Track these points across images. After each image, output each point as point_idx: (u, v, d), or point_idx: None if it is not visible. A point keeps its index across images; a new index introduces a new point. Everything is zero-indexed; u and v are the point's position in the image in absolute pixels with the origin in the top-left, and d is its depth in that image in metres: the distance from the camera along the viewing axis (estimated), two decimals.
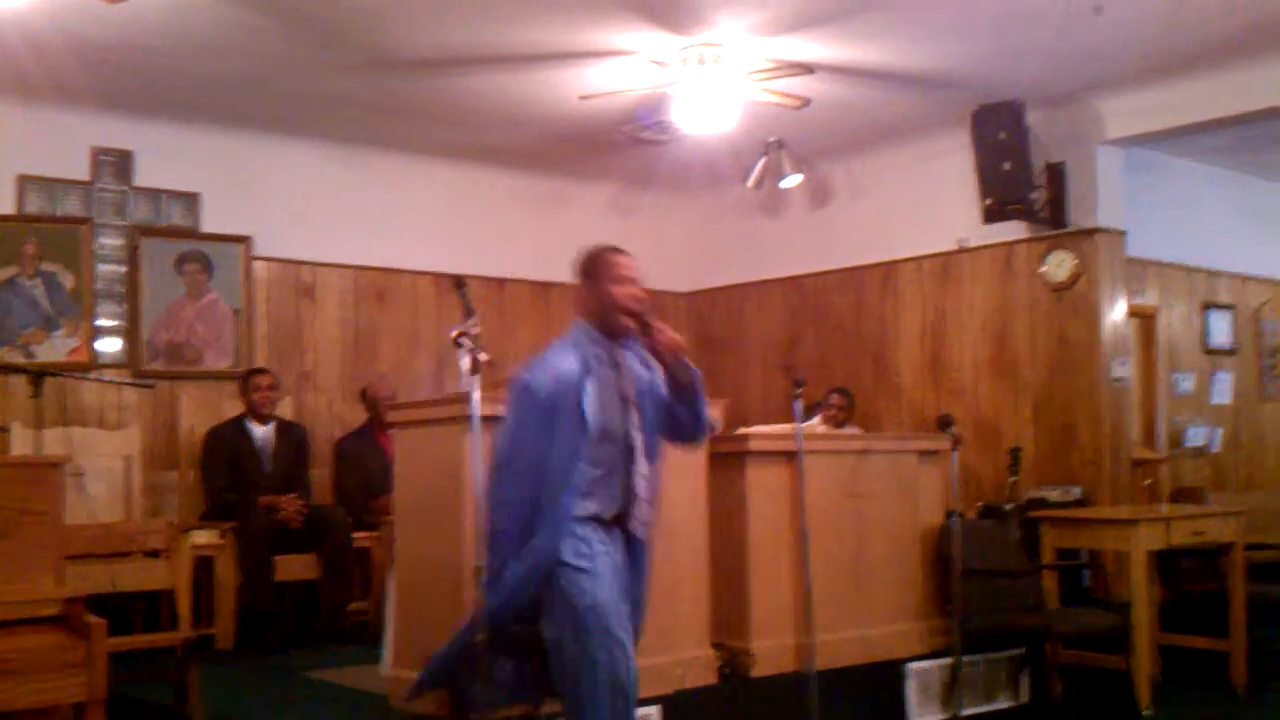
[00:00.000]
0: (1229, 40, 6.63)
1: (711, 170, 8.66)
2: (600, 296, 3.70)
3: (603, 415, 3.60)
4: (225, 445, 7.17)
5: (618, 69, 6.82)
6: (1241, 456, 9.48)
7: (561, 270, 9.28)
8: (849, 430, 7.83)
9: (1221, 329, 9.43)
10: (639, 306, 3.66)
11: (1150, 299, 8.86)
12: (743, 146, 7.97)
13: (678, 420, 3.82)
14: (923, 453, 6.08)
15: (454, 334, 3.64)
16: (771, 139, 7.95)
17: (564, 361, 3.63)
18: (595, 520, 3.65)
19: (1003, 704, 5.98)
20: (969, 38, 6.58)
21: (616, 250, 3.78)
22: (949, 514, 5.85)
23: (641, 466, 3.69)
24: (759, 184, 8.20)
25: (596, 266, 3.76)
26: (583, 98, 7.08)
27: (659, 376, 3.74)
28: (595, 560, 3.59)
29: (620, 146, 8.30)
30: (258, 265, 8.07)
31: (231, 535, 6.73)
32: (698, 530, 5.11)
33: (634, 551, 3.79)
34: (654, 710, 4.79)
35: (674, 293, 10.11)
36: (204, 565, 6.54)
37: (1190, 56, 6.88)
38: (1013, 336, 8.17)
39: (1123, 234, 7.87)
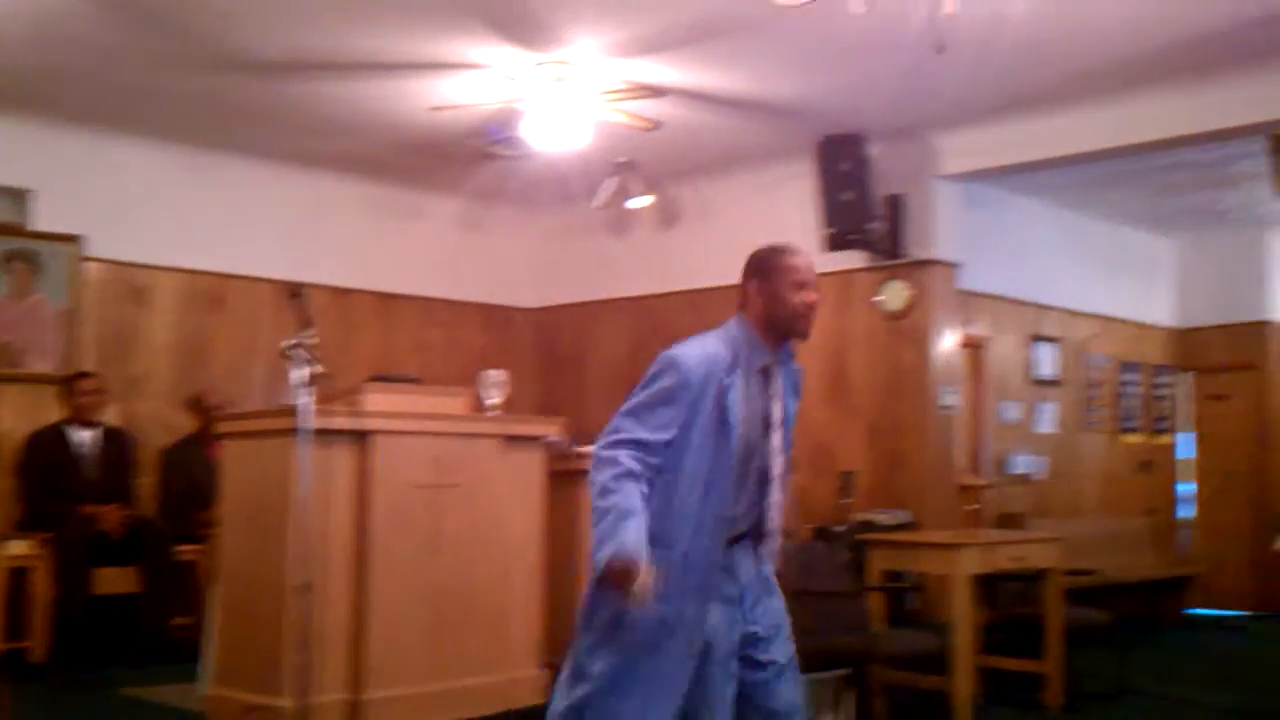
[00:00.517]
0: (1063, 84, 6.91)
1: (561, 188, 8.67)
2: (772, 299, 3.30)
3: (746, 425, 3.23)
4: (45, 451, 6.90)
5: (470, 82, 6.79)
6: (1063, 485, 9.84)
7: (408, 281, 9.32)
8: None
9: (1047, 361, 9.79)
10: (811, 318, 3.35)
11: (981, 330, 9.15)
12: (593, 165, 8.00)
13: None
14: None
15: (283, 346, 3.51)
16: (622, 159, 8.00)
17: (713, 352, 3.24)
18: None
19: None
20: (816, 69, 6.72)
21: (795, 251, 3.38)
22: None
23: (776, 495, 3.35)
24: (608, 204, 8.24)
25: (772, 266, 3.34)
26: (433, 109, 7.03)
27: (796, 407, 3.47)
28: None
29: (471, 160, 8.25)
30: (89, 266, 7.78)
31: (49, 546, 6.48)
32: (532, 548, 5.10)
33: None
34: None
35: (520, 309, 10.08)
36: (19, 577, 6.27)
37: (1027, 98, 7.15)
38: (849, 363, 8.35)
39: (957, 266, 8.12)
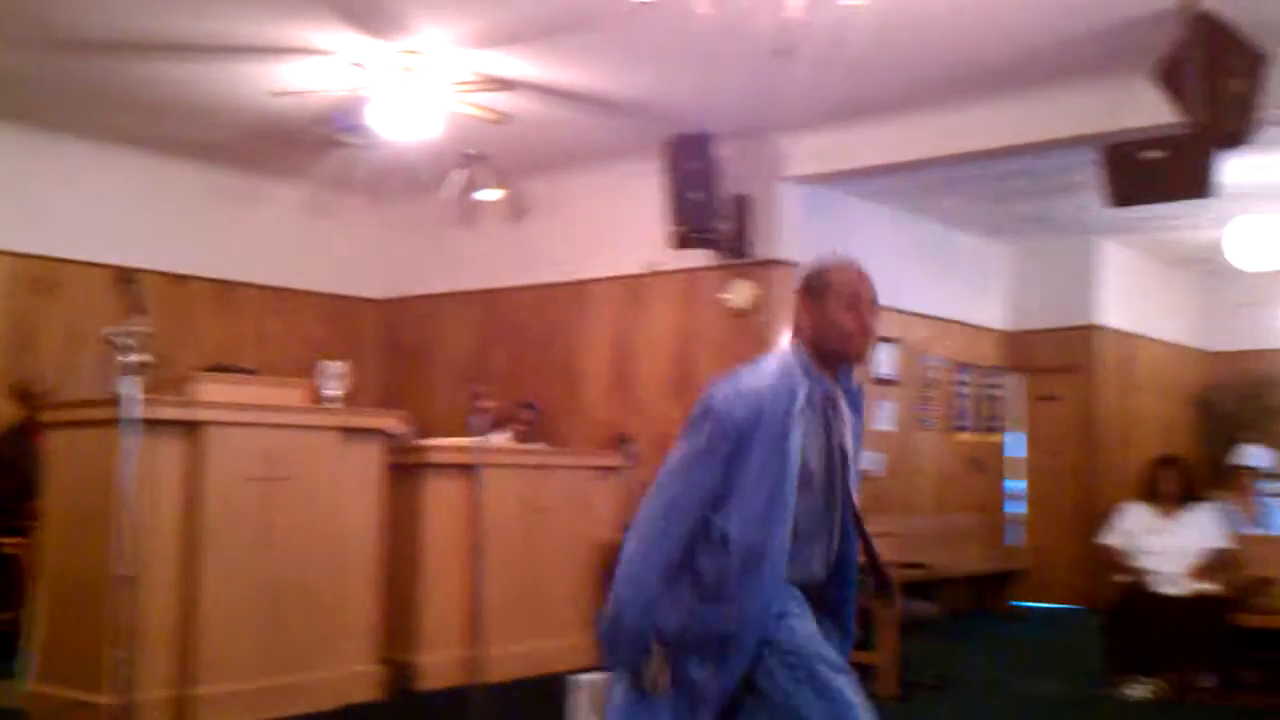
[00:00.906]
0: (903, 92, 7.11)
1: (410, 178, 8.58)
2: (822, 320, 2.97)
3: (809, 465, 2.93)
4: None
5: (315, 68, 6.67)
6: (900, 481, 10.10)
7: (250, 269, 9.11)
8: (535, 445, 7.90)
9: (886, 361, 10.04)
10: (869, 339, 3.02)
11: None
12: (442, 156, 7.93)
13: None
14: (600, 469, 6.20)
15: (107, 333, 3.40)
16: (471, 151, 7.94)
17: (765, 387, 2.93)
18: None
19: None
20: (666, 68, 6.78)
21: (846, 265, 3.04)
22: (625, 529, 5.98)
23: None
24: (456, 196, 8.18)
25: (821, 284, 3.00)
26: (275, 94, 6.89)
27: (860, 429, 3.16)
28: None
29: (316, 147, 8.10)
30: None
31: None
32: (369, 541, 5.05)
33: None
34: None
35: (366, 300, 9.95)
36: None
37: (869, 104, 7.33)
38: (695, 359, 8.44)
39: (801, 267, 8.25)
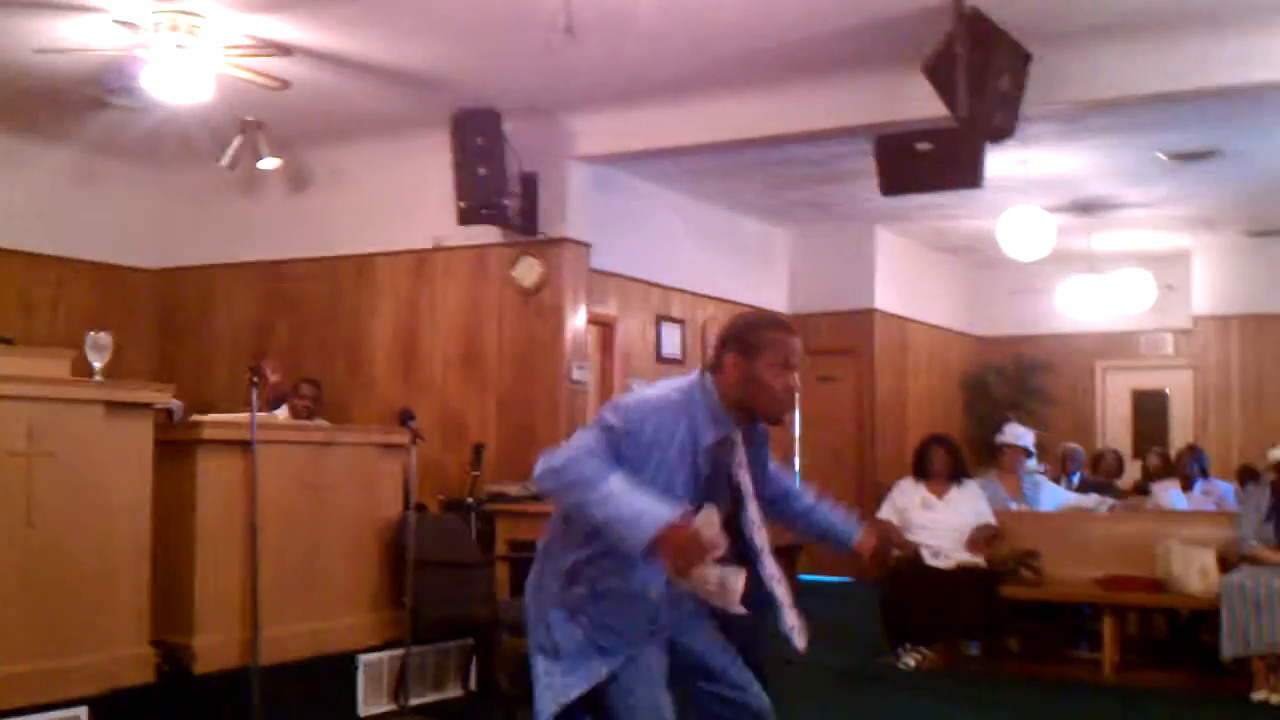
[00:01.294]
0: (686, 76, 7.21)
1: (185, 144, 8.23)
2: (750, 380, 2.98)
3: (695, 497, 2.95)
4: None
5: (82, 25, 6.34)
6: None
7: (14, 236, 8.58)
8: (317, 422, 7.72)
9: (672, 340, 10.20)
10: (792, 404, 3.11)
11: (610, 309, 9.42)
12: (220, 122, 7.65)
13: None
14: (383, 446, 6.10)
15: None
16: (249, 118, 7.70)
17: (666, 420, 2.95)
18: None
19: (452, 693, 6.13)
20: (449, 40, 6.70)
21: (784, 326, 3.09)
22: (409, 507, 5.92)
23: (770, 569, 3.09)
24: (235, 163, 7.91)
25: (757, 342, 3.00)
26: (38, 52, 6.52)
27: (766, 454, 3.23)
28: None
29: (82, 108, 7.72)
30: None
31: None
32: (138, 520, 4.84)
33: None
34: (81, 711, 4.49)
35: (140, 269, 9.53)
36: None
37: (654, 87, 7.40)
38: (482, 336, 8.40)
39: (588, 246, 8.31)
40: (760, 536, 3.04)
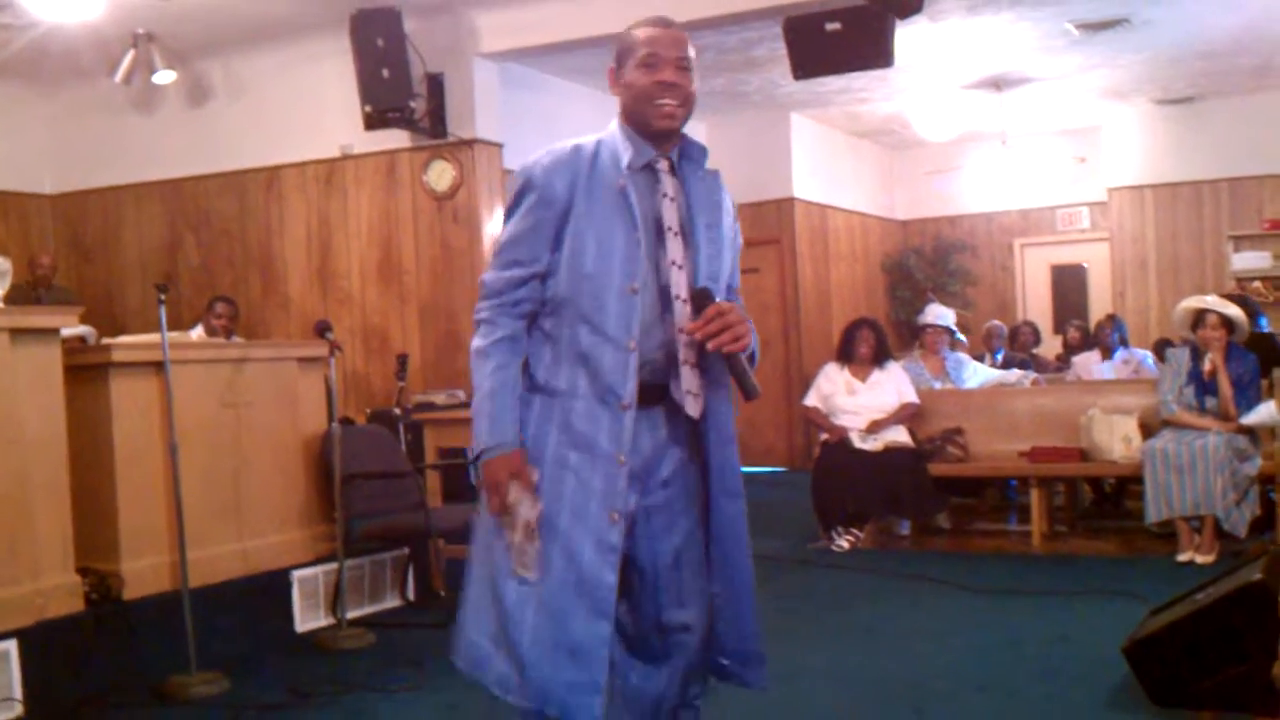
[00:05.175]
0: None
1: (73, 61, 7.93)
2: (626, 88, 2.74)
3: (625, 238, 2.68)
4: None
5: None
6: None
7: None
8: (235, 340, 7.57)
9: None
10: (669, 101, 2.70)
11: None
12: (109, 38, 7.37)
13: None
14: (303, 360, 6.00)
15: None
16: (140, 31, 7.42)
17: (576, 148, 2.74)
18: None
19: (389, 603, 6.11)
20: None
21: (649, 23, 2.75)
22: (334, 420, 5.84)
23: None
24: (128, 79, 7.65)
25: (626, 47, 2.74)
26: None
27: (725, 215, 2.87)
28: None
29: None
30: None
31: None
32: (55, 447, 4.73)
33: (679, 434, 2.81)
34: (11, 645, 4.41)
35: (38, 195, 9.23)
36: None
37: None
38: (398, 245, 8.26)
39: (499, 146, 8.16)
40: (677, 280, 2.71)
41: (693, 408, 2.76)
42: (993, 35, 8.98)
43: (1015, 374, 8.52)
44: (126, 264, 9.20)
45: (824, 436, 7.66)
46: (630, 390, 2.66)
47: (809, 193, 11.86)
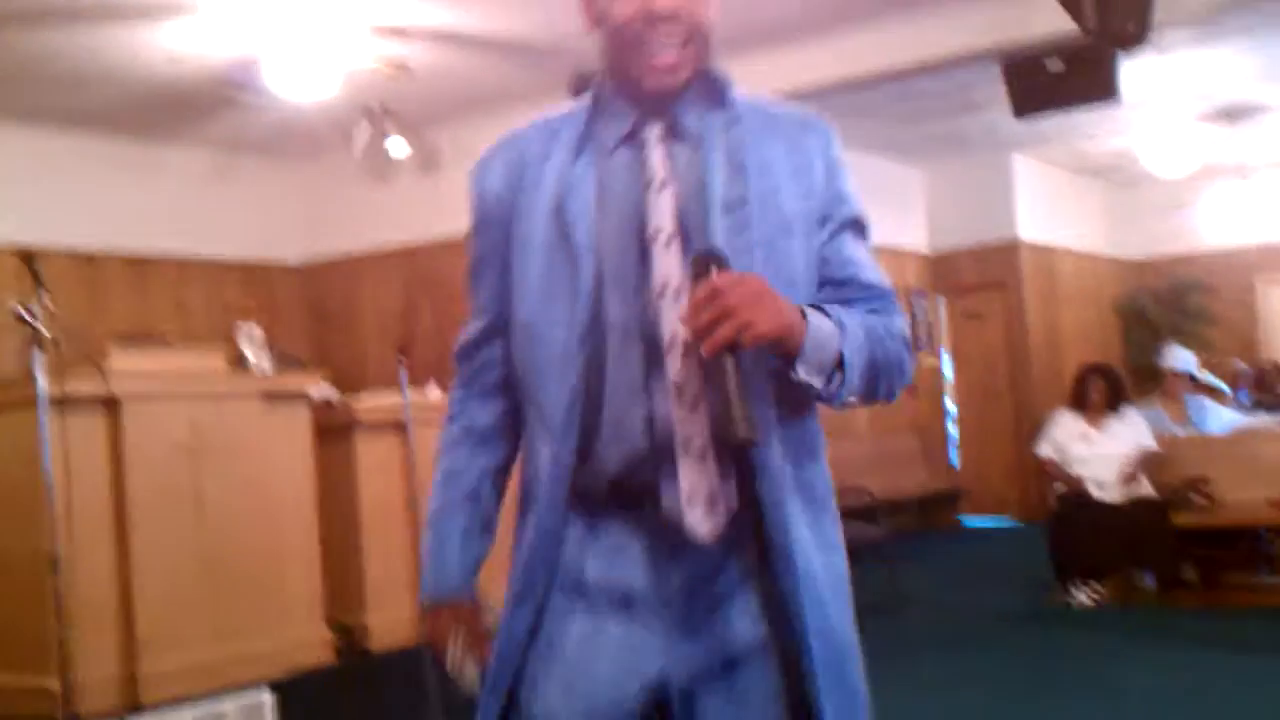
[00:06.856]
0: (816, 11, 7.04)
1: (312, 137, 8.38)
2: (602, 24, 1.78)
3: (601, 247, 1.74)
4: None
5: (204, 26, 6.49)
6: (831, 411, 10.15)
7: (159, 240, 8.85)
8: None
9: None
10: (656, 33, 1.73)
11: None
12: (345, 113, 7.77)
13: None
14: None
15: (13, 306, 3.30)
16: (374, 105, 7.80)
17: (525, 134, 1.87)
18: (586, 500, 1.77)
19: None
20: (554, 6, 6.66)
21: None
22: None
23: (676, 373, 1.70)
24: (364, 152, 8.03)
25: None
26: (172, 60, 6.69)
27: (784, 180, 1.83)
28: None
29: (213, 109, 7.90)
30: None
31: None
32: (304, 505, 4.98)
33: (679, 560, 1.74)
34: (267, 696, 4.63)
35: (284, 266, 9.76)
36: None
37: (788, 26, 7.22)
38: None
39: None
40: (675, 315, 1.68)
41: (703, 522, 1.70)
42: (1224, 64, 8.60)
43: (1263, 418, 8.08)
44: (366, 330, 9.62)
45: (1058, 487, 7.39)
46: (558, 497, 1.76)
47: (1034, 234, 11.54)
